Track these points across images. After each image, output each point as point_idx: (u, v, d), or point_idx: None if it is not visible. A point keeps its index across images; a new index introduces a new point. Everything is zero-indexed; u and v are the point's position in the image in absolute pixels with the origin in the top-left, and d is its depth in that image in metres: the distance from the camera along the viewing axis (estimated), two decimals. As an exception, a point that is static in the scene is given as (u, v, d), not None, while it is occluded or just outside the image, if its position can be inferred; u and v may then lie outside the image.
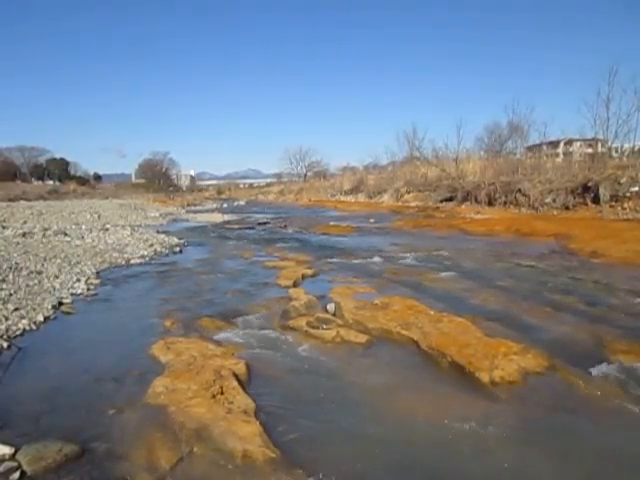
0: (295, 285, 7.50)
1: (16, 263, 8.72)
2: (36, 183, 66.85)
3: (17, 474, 2.64)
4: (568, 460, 2.81)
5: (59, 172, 74.66)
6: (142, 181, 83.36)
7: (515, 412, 3.38)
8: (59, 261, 9.26)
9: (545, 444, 2.95)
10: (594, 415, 3.32)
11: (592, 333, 4.92)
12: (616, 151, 25.15)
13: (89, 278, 7.91)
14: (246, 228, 18.61)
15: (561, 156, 34.43)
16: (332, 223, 20.05)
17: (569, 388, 3.73)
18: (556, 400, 3.55)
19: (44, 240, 12.88)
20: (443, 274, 8.32)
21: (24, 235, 13.74)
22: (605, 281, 7.40)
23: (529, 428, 3.16)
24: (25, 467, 2.69)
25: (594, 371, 3.99)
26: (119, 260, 9.91)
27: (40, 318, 5.60)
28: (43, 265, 8.75)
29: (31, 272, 8.02)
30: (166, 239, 13.72)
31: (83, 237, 13.70)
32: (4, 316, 5.46)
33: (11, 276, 7.59)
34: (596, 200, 18.59)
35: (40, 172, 73.83)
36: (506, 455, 2.86)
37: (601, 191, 18.34)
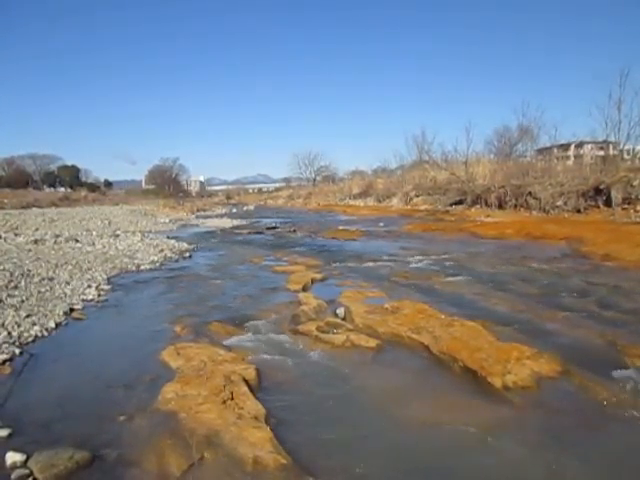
0: (304, 289, 7.48)
1: (28, 270, 8.79)
2: (48, 190, 67.80)
3: (29, 481, 2.64)
4: (585, 468, 2.75)
5: (70, 179, 75.72)
6: (152, 187, 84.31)
7: (529, 418, 3.32)
8: (70, 267, 9.33)
9: (561, 451, 2.89)
10: (611, 422, 3.25)
11: (606, 337, 4.83)
12: (628, 153, 24.92)
13: (100, 284, 7.95)
14: (255, 233, 18.63)
15: (572, 159, 34.25)
16: (341, 227, 20.03)
17: (584, 394, 3.65)
18: (571, 406, 3.48)
19: (55, 247, 13.00)
20: (453, 278, 8.25)
21: (36, 242, 13.87)
22: (618, 284, 7.29)
23: (544, 434, 3.10)
24: (37, 474, 2.69)
25: (610, 376, 3.90)
26: (129, 266, 9.96)
27: (51, 324, 5.63)
28: (54, 271, 8.82)
29: (43, 279, 8.09)
30: (176, 244, 13.78)
31: (94, 243, 13.81)
32: (16, 322, 5.50)
33: (23, 283, 7.66)
34: (608, 203, 18.42)
35: (52, 179, 74.95)
36: (521, 462, 2.81)
37: (613, 194, 18.17)
